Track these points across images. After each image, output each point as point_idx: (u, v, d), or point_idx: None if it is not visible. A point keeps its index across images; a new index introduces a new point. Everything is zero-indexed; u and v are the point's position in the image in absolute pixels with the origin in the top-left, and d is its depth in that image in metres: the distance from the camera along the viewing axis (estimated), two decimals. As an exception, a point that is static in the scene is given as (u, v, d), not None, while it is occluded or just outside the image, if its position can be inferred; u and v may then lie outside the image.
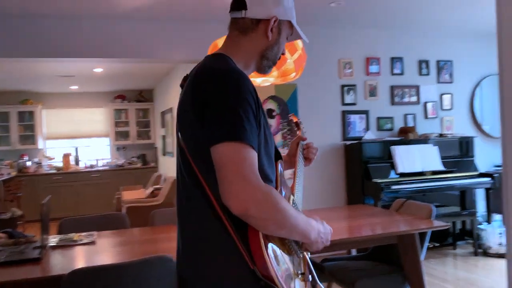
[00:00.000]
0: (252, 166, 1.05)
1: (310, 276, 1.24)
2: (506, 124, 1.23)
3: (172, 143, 7.31)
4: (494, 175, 4.80)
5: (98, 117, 9.13)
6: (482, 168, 5.60)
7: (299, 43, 2.48)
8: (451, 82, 5.41)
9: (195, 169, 1.14)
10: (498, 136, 5.59)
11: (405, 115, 5.21)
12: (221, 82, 1.10)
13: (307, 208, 4.77)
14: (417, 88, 5.25)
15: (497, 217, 5.28)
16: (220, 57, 1.21)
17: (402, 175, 4.62)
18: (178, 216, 1.24)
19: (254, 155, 1.07)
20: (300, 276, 1.20)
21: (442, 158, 4.89)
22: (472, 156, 5.09)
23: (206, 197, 1.13)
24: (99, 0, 3.69)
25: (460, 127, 5.48)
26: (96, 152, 9.11)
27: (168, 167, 7.86)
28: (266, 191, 1.05)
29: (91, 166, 8.69)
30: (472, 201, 5.12)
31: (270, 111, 4.69)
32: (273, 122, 4.69)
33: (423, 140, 4.91)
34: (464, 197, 5.01)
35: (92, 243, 2.44)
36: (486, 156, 5.61)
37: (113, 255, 2.26)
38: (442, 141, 4.97)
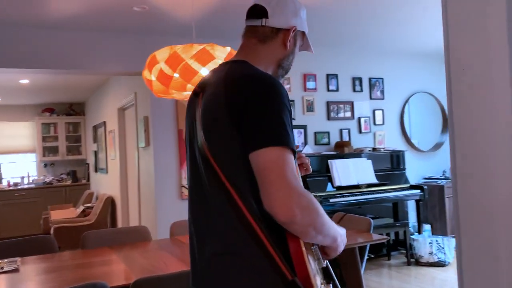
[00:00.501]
0: (294, 171, 1.04)
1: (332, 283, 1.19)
2: (455, 132, 1.25)
3: (105, 159, 6.98)
4: (423, 187, 5.05)
5: (23, 132, 8.54)
6: (412, 180, 5.89)
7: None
8: (382, 99, 5.67)
9: (222, 177, 1.10)
10: (426, 150, 5.92)
11: (341, 130, 5.36)
12: (261, 88, 1.09)
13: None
14: (351, 104, 5.44)
15: (426, 227, 5.55)
16: (246, 64, 1.20)
17: (339, 188, 4.72)
18: (196, 231, 1.19)
19: (293, 160, 1.06)
20: (325, 283, 1.15)
21: (376, 171, 5.07)
22: (403, 169, 5.34)
23: (235, 207, 1.08)
24: (26, 8, 3.45)
25: (392, 141, 5.74)
26: (21, 169, 8.49)
27: (101, 184, 7.49)
28: (309, 198, 1.04)
29: (15, 184, 8.07)
30: (404, 212, 5.36)
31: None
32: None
33: (358, 154, 5.07)
34: (397, 208, 5.23)
35: (15, 270, 2.22)
36: (415, 169, 5.91)
37: (40, 284, 2.06)
38: (375, 155, 5.16)
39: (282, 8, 1.24)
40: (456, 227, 1.34)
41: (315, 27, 4.42)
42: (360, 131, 5.50)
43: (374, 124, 5.60)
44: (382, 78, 5.68)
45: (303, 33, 1.31)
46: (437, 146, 6.00)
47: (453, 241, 4.84)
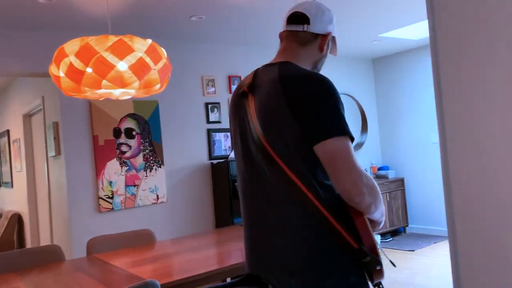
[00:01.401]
0: (355, 156, 1.21)
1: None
2: (446, 133, 1.12)
3: (9, 172, 6.25)
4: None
5: None
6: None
7: (163, 50, 2.22)
8: (306, 100, 5.68)
9: (284, 167, 1.22)
10: (348, 150, 6.03)
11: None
12: (319, 84, 1.23)
13: (176, 236, 4.46)
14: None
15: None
16: (293, 64, 1.33)
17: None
18: (257, 220, 1.32)
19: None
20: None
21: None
22: (329, 170, 5.37)
23: (300, 193, 1.21)
24: None
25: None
26: None
27: (5, 199, 6.71)
28: (371, 179, 1.24)
29: None
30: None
31: (129, 130, 4.28)
32: (132, 143, 4.28)
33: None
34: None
35: None
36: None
37: None
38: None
39: (321, 16, 1.38)
40: (450, 230, 1.22)
41: (238, 26, 4.29)
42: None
43: (300, 126, 5.59)
44: (305, 80, 5.69)
45: (333, 37, 1.46)
46: (358, 146, 6.16)
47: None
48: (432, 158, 5.83)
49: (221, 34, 4.52)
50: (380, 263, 1.22)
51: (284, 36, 1.42)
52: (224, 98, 4.94)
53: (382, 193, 5.71)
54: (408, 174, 6.15)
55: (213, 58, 4.91)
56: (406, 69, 6.08)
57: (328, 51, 1.44)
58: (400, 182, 6.00)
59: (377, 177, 6.09)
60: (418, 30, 4.97)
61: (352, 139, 1.22)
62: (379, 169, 6.23)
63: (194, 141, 4.70)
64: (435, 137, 5.78)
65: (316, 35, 1.39)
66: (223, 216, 4.61)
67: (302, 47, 1.38)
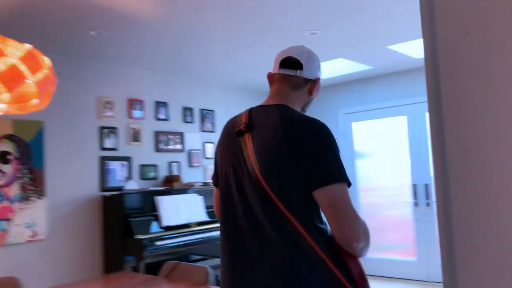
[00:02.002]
0: (352, 202, 1.25)
1: None
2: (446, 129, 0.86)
3: None
4: (253, 223, 4.90)
5: None
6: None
7: (45, 59, 1.82)
8: (213, 131, 5.44)
9: (282, 209, 1.24)
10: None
11: (170, 163, 4.90)
12: (321, 131, 1.29)
13: (54, 283, 3.80)
14: (181, 135, 5.05)
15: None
16: (290, 108, 1.38)
17: (167, 228, 4.21)
18: (244, 261, 1.30)
19: None
20: None
21: (206, 207, 4.74)
22: (233, 205, 5.12)
23: (297, 235, 1.23)
24: None
25: (222, 176, 5.51)
26: None
27: None
28: (365, 224, 1.28)
29: None
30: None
31: (4, 154, 3.63)
32: (7, 169, 3.63)
33: (188, 189, 4.66)
34: (227, 247, 4.95)
35: None
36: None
37: None
38: (206, 190, 4.83)
39: (312, 62, 1.46)
40: (444, 250, 0.95)
41: (143, 47, 3.94)
42: (190, 165, 5.12)
43: (205, 157, 5.31)
44: (213, 110, 5.47)
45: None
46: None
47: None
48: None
49: (124, 53, 4.13)
50: None
51: (277, 79, 1.47)
52: (122, 123, 4.49)
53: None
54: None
55: (113, 78, 4.47)
56: (311, 107, 6.17)
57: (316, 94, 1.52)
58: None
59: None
60: (324, 70, 5.06)
61: (349, 185, 1.27)
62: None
63: (84, 169, 4.15)
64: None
65: (307, 80, 1.46)
66: (113, 257, 4.08)
67: (294, 90, 1.45)
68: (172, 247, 4.03)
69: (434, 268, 5.03)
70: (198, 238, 4.30)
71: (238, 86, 5.78)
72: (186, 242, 4.18)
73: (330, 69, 5.04)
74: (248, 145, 1.34)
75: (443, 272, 0.92)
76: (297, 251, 1.23)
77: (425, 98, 5.08)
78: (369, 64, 4.96)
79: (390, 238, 5.43)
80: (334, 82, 5.85)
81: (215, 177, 1.51)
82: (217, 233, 4.51)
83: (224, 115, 5.63)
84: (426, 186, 5.12)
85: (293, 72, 1.44)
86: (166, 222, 4.20)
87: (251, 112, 1.42)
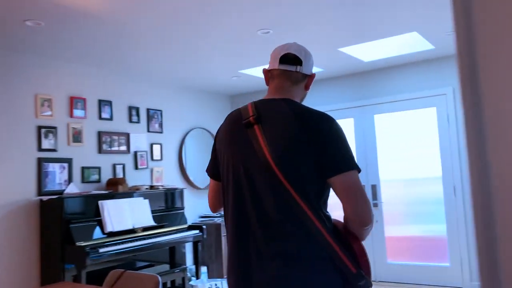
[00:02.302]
0: None
1: None
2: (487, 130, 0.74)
3: None
4: (202, 226, 4.76)
5: None
6: (190, 220, 5.56)
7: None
8: (161, 132, 5.24)
9: (295, 197, 1.33)
10: (203, 187, 5.71)
11: (114, 165, 4.65)
12: (334, 123, 1.41)
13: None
14: (127, 136, 4.81)
15: (203, 269, 5.25)
16: (296, 102, 1.49)
17: (111, 234, 3.97)
18: (251, 247, 1.38)
19: None
20: None
21: (153, 211, 4.54)
22: (182, 208, 4.96)
23: (308, 222, 1.32)
24: None
25: (170, 178, 5.33)
26: None
27: None
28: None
29: None
30: (182, 256, 4.93)
31: None
32: None
33: (134, 192, 4.44)
34: (174, 252, 4.77)
35: None
36: (193, 207, 5.63)
37: None
38: (152, 194, 4.63)
39: (309, 59, 1.55)
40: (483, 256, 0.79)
41: (86, 40, 3.70)
42: (136, 167, 4.89)
43: (152, 159, 5.10)
44: (161, 110, 5.27)
45: None
46: (214, 183, 5.89)
47: (232, 283, 4.63)
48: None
49: (65, 47, 3.86)
50: (371, 286, 1.38)
51: (277, 74, 1.54)
52: (62, 122, 4.19)
53: (235, 233, 5.48)
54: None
55: (52, 74, 4.16)
56: (262, 108, 6.12)
57: None
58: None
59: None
60: (277, 70, 5.03)
61: (359, 172, 1.40)
62: (233, 207, 6.02)
63: (20, 172, 3.82)
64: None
65: (305, 76, 1.55)
66: (51, 267, 3.79)
67: (294, 85, 1.53)
68: (116, 253, 3.80)
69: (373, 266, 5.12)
70: (144, 244, 4.10)
71: (188, 86, 5.62)
72: (132, 248, 3.96)
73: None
74: (259, 136, 1.41)
75: (482, 280, 0.76)
76: (308, 237, 1.34)
77: (373, 100, 5.18)
78: (320, 67, 4.97)
79: (339, 239, 5.47)
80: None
81: (214, 169, 1.59)
82: (165, 238, 4.33)
83: (172, 115, 5.44)
84: (373, 187, 5.21)
85: (293, 68, 1.52)
86: (110, 227, 3.97)
87: (256, 105, 1.49)
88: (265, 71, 1.57)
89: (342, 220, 1.48)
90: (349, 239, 1.39)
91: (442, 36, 4.04)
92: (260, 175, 1.39)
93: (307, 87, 1.58)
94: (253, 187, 1.40)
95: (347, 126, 5.44)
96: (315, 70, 5.11)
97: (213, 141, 5.95)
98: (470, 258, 4.58)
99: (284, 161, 1.36)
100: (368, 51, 4.43)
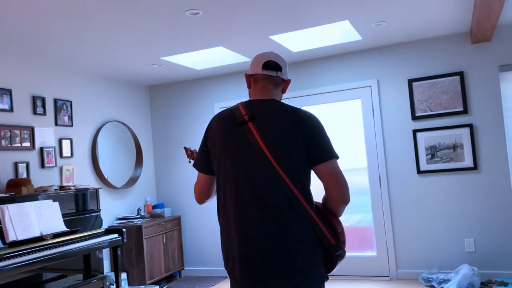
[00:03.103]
0: None
1: None
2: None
3: None
4: (122, 229, 4.31)
5: None
6: (107, 222, 5.05)
7: None
8: (71, 126, 4.66)
9: (290, 185, 1.59)
10: (120, 186, 5.22)
11: (16, 164, 4.01)
12: (318, 120, 1.71)
13: None
14: (31, 130, 4.18)
15: (124, 276, 4.79)
16: (282, 102, 1.75)
17: (15, 244, 3.39)
18: (255, 228, 1.60)
19: None
20: None
21: (64, 215, 4.00)
22: (98, 211, 4.44)
23: (300, 206, 1.60)
24: None
25: (82, 177, 4.76)
26: None
27: None
28: None
29: None
30: (99, 263, 4.43)
31: None
32: None
33: (40, 194, 3.86)
34: (90, 260, 4.26)
35: None
36: (110, 209, 5.11)
37: None
38: (63, 195, 4.07)
39: (286, 66, 1.82)
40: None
41: (-20, 15, 3.07)
42: (43, 166, 4.28)
43: (61, 156, 4.50)
44: (70, 101, 4.68)
45: None
46: (132, 181, 5.41)
47: (158, 289, 4.26)
48: (210, 194, 5.57)
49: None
50: (344, 256, 1.65)
51: (261, 78, 1.77)
52: (-52, 113, 3.48)
53: (158, 235, 5.09)
54: (185, 212, 5.72)
55: None
56: (185, 101, 5.75)
57: None
58: (177, 220, 5.51)
59: (152, 216, 5.45)
60: (201, 60, 4.71)
61: (338, 159, 1.68)
62: (154, 207, 5.60)
63: None
64: (212, 172, 5.55)
65: (283, 80, 1.79)
66: None
67: (275, 88, 1.77)
68: (20, 267, 3.24)
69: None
70: (55, 253, 3.56)
71: (102, 74, 5.07)
72: (40, 259, 3.42)
73: (208, 58, 4.70)
74: (255, 132, 1.62)
75: None
76: (299, 217, 1.59)
77: (300, 93, 5.09)
78: (248, 56, 4.76)
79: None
80: (211, 74, 5.53)
81: (206, 164, 1.75)
82: (79, 244, 3.82)
83: (84, 106, 4.88)
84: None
85: (274, 73, 1.76)
86: (12, 236, 3.38)
87: (247, 105, 1.72)
88: (247, 75, 1.82)
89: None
90: (329, 216, 1.69)
91: (371, 26, 4.04)
92: (257, 166, 1.62)
93: (283, 91, 1.83)
94: (251, 177, 1.62)
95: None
96: (241, 59, 4.88)
97: (132, 138, 5.48)
98: (396, 246, 4.69)
99: (279, 152, 1.61)
100: (297, 41, 4.31)
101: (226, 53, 4.54)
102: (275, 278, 1.57)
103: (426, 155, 4.58)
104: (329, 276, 1.77)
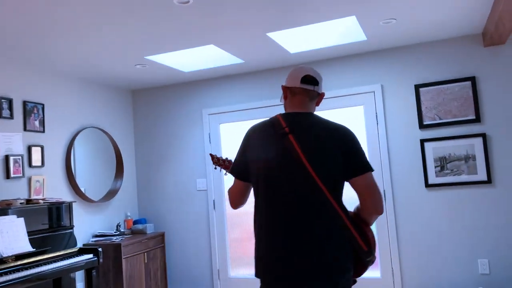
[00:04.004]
0: None
1: None
2: None
3: None
4: (97, 249, 3.81)
5: None
6: (81, 240, 4.53)
7: None
8: (42, 131, 4.16)
9: (327, 194, 1.72)
10: (97, 200, 4.71)
11: (-25, 174, 3.49)
12: (353, 134, 1.83)
13: None
14: (-6, 135, 3.67)
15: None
16: (319, 116, 1.88)
17: (-32, 269, 2.88)
18: (294, 232, 1.72)
19: None
20: None
21: (31, 233, 3.50)
22: (71, 227, 3.94)
23: (336, 214, 1.72)
24: None
25: (54, 189, 4.25)
26: None
27: None
28: None
29: None
30: (71, 285, 3.92)
31: None
32: None
33: (4, 209, 3.35)
34: (60, 284, 3.74)
35: None
36: (84, 225, 4.59)
37: None
38: (30, 210, 3.57)
39: (321, 81, 1.94)
40: None
41: None
42: (7, 176, 3.76)
43: (30, 165, 3.99)
44: (42, 104, 4.19)
45: None
46: (111, 194, 4.91)
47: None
48: (198, 208, 5.10)
49: None
50: (374, 261, 1.83)
51: (299, 91, 1.89)
52: None
53: (139, 254, 4.59)
54: (169, 228, 5.22)
55: None
56: (172, 106, 5.30)
57: None
58: (160, 237, 5.01)
59: (133, 232, 4.94)
60: (189, 61, 4.27)
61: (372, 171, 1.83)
62: (135, 222, 5.10)
63: None
64: (201, 184, 5.09)
65: (318, 94, 1.92)
66: None
67: (311, 101, 1.91)
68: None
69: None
70: (18, 278, 3.07)
71: (78, 76, 4.59)
72: (1, 284, 2.92)
73: (197, 58, 4.27)
74: (295, 144, 1.76)
75: None
76: (334, 224, 1.73)
77: (297, 98, 4.68)
78: (241, 57, 4.34)
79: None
80: (200, 77, 5.09)
81: (244, 172, 1.87)
82: (47, 267, 3.32)
83: (58, 110, 4.38)
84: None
85: (311, 87, 1.88)
86: (-36, 260, 2.86)
87: (286, 117, 1.84)
88: (284, 88, 1.92)
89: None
90: (361, 225, 1.80)
91: (379, 24, 3.66)
92: (297, 177, 1.72)
93: (317, 104, 1.94)
94: (292, 186, 1.73)
95: (268, 126, 4.87)
96: (233, 61, 4.46)
97: (112, 147, 4.99)
98: (402, 267, 4.27)
99: (317, 164, 1.72)
100: (296, 41, 3.91)
101: (218, 53, 4.12)
102: (313, 279, 1.69)
103: (435, 167, 4.20)
104: (356, 280, 1.99)
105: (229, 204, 5.14)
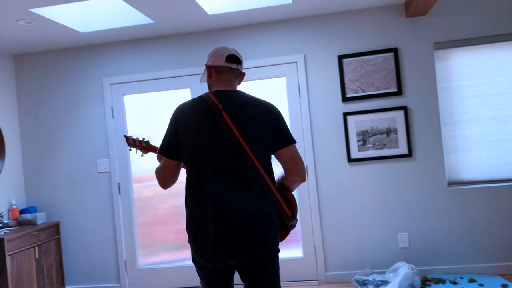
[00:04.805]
0: None
1: None
2: None
3: None
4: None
5: None
6: None
7: None
8: None
9: (258, 165, 1.85)
10: (-29, 187, 3.83)
11: None
12: (278, 109, 1.99)
13: None
14: None
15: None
16: (246, 93, 2.01)
17: None
18: (231, 200, 1.82)
19: None
20: None
21: None
22: None
23: (265, 184, 1.87)
24: None
25: None
26: None
27: None
28: None
29: None
30: None
31: None
32: None
33: None
34: None
35: None
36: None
37: None
38: None
39: (243, 61, 2.21)
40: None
41: None
42: None
43: None
44: None
45: None
46: (-10, 179, 4.05)
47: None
48: (100, 192, 4.44)
49: None
50: (295, 225, 2.02)
51: (225, 70, 1.98)
52: None
53: (28, 248, 3.85)
54: (65, 217, 4.50)
55: None
56: (65, 75, 4.51)
57: None
58: (54, 228, 4.28)
59: (20, 224, 4.15)
60: (89, 19, 3.58)
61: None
62: (23, 211, 4.30)
63: None
64: (103, 165, 4.43)
65: (240, 73, 2.04)
66: None
67: (235, 79, 2.01)
68: None
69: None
70: None
71: None
72: None
73: (97, 17, 3.59)
74: (228, 120, 1.85)
75: None
76: (263, 192, 1.87)
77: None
78: (151, 17, 3.76)
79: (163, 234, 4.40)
80: (100, 39, 4.36)
81: (174, 150, 1.91)
82: None
83: None
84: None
85: (235, 66, 1.99)
86: None
87: (216, 94, 1.92)
88: (209, 66, 1.99)
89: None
90: (285, 192, 2.01)
91: (307, -15, 3.35)
92: (231, 150, 1.84)
93: (239, 82, 2.06)
94: (226, 160, 1.84)
95: (184, 98, 4.37)
96: (143, 21, 3.86)
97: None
98: (324, 246, 4.12)
99: (250, 138, 1.86)
100: (215, 1, 3.45)
101: (124, 10, 3.50)
102: (251, 247, 1.81)
103: (358, 141, 4.07)
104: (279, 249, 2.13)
105: (137, 187, 4.83)
